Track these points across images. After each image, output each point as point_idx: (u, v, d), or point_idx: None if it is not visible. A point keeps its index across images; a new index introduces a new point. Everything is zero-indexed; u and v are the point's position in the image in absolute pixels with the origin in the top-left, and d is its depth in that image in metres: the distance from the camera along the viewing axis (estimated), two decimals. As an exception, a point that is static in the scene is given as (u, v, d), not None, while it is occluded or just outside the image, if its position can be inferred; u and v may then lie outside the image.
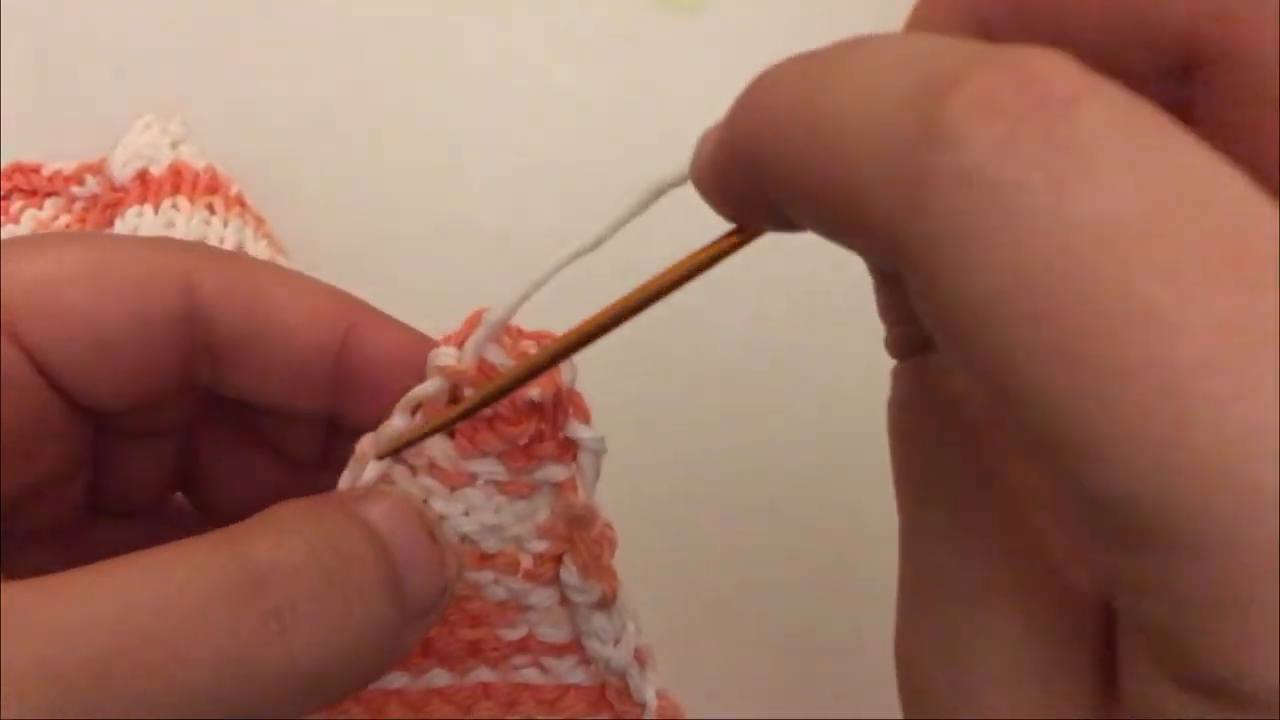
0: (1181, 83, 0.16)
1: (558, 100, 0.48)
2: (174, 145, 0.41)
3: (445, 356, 0.25)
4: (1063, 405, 0.13)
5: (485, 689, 0.28)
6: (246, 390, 0.26)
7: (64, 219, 0.44)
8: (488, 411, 0.25)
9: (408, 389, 0.25)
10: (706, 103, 0.24)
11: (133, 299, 0.24)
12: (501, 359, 0.25)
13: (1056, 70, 0.14)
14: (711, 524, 0.41)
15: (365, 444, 0.25)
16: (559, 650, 0.28)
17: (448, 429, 0.25)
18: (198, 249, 0.25)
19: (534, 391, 0.25)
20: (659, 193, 0.23)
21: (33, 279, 0.23)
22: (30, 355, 0.23)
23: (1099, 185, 0.13)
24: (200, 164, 0.41)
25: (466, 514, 0.26)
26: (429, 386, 0.25)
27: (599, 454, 0.26)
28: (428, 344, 0.26)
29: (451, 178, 0.46)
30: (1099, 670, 0.17)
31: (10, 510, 0.23)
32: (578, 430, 0.26)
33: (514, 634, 0.27)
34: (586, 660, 0.28)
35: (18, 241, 0.24)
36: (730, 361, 0.43)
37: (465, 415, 0.25)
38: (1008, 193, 0.13)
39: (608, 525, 0.27)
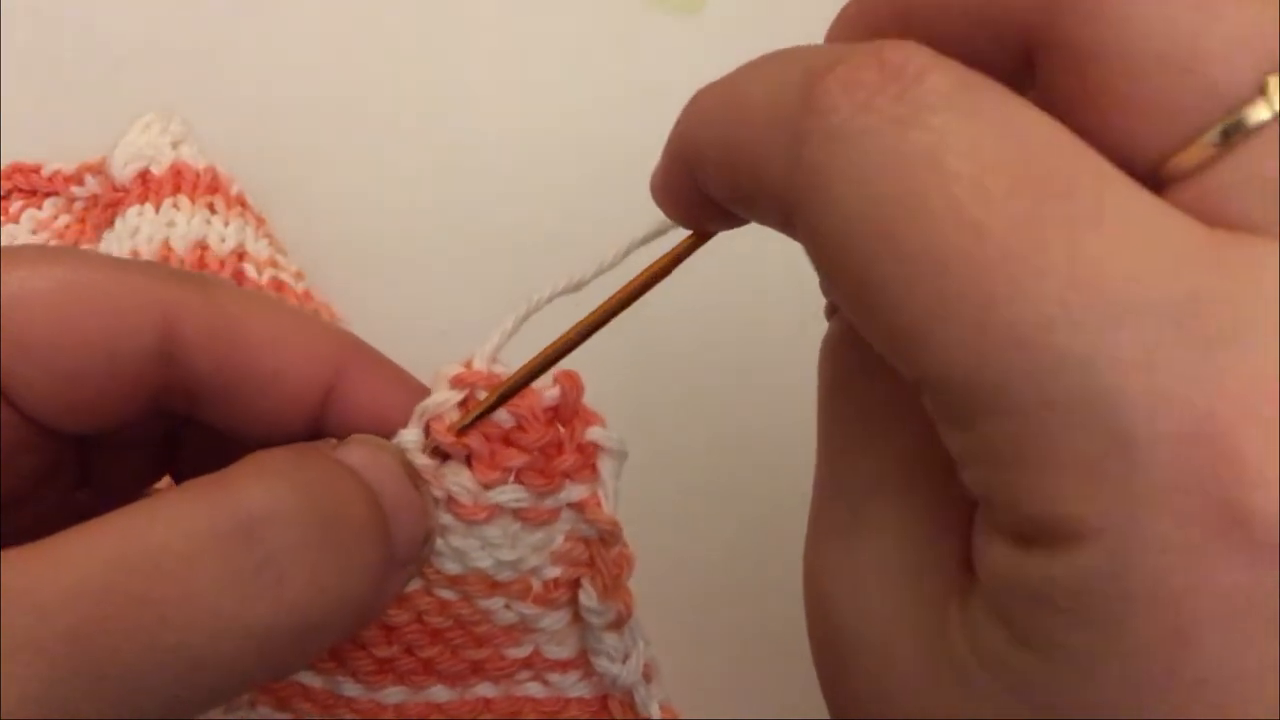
0: (1031, 75, 0.19)
1: (558, 100, 0.48)
2: (175, 145, 0.41)
3: (454, 368, 0.25)
4: (899, 302, 0.16)
5: (487, 704, 0.27)
6: (225, 427, 0.25)
7: (64, 219, 0.44)
8: (509, 422, 0.25)
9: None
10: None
11: (102, 334, 0.23)
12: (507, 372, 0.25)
13: (909, 54, 0.17)
14: (710, 526, 0.41)
15: (404, 440, 0.24)
16: (564, 666, 0.27)
17: (504, 401, 0.24)
18: (180, 282, 0.24)
19: (550, 393, 0.25)
20: (633, 246, 0.25)
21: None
22: None
23: (931, 127, 0.16)
24: (201, 164, 0.41)
25: (482, 548, 0.25)
26: (439, 397, 0.24)
27: (621, 456, 0.25)
28: (419, 390, 0.25)
29: (451, 178, 0.46)
30: (964, 561, 0.19)
31: None
32: (597, 434, 0.25)
33: (519, 652, 0.27)
34: (590, 674, 0.28)
35: None
36: (730, 362, 0.43)
37: (516, 389, 0.24)
38: (862, 140, 0.17)
39: (624, 544, 0.26)
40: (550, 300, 0.25)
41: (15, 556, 0.19)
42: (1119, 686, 0.16)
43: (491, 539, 0.25)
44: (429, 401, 0.24)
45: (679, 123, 0.21)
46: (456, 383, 0.24)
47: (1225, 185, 0.17)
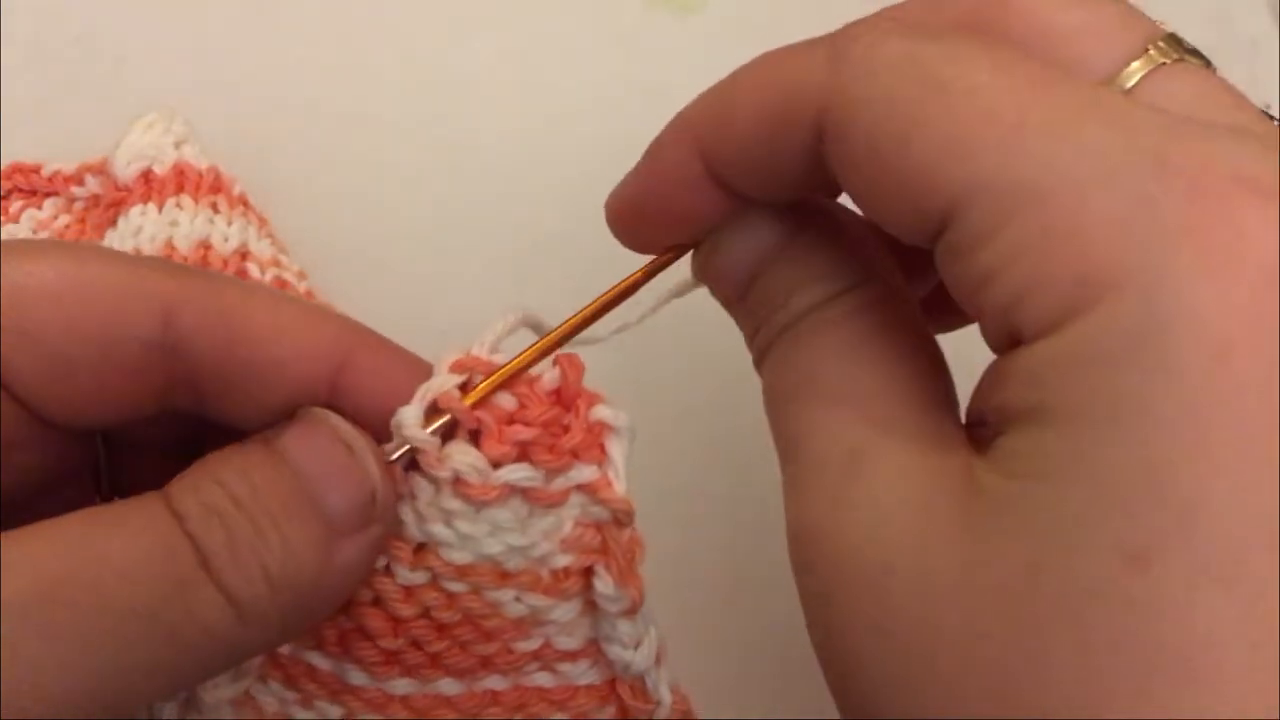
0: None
1: (558, 100, 0.48)
2: (177, 145, 0.41)
3: (454, 353, 0.25)
4: (944, 130, 0.20)
5: (494, 696, 0.27)
6: (233, 420, 0.25)
7: (64, 219, 0.44)
8: (511, 406, 0.25)
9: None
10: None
11: (103, 325, 0.23)
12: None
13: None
14: (710, 526, 0.41)
15: (405, 417, 0.24)
16: (573, 656, 0.27)
17: (513, 376, 0.25)
18: (182, 275, 0.24)
19: (550, 375, 0.25)
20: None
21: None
22: None
23: (948, 39, 0.21)
24: (203, 164, 0.41)
25: (492, 534, 0.25)
26: (441, 378, 0.24)
27: (629, 435, 0.25)
28: (426, 370, 0.25)
29: (451, 178, 0.46)
30: (969, 442, 0.22)
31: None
32: (604, 413, 0.25)
33: (529, 645, 0.27)
34: (599, 660, 0.28)
35: None
36: (732, 361, 0.43)
37: (525, 366, 0.24)
38: (897, 42, 0.21)
39: (634, 528, 0.26)
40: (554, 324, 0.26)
41: (11, 538, 0.20)
42: (1167, 416, 0.18)
43: (502, 523, 0.25)
44: (431, 382, 0.24)
45: (693, 104, 0.24)
46: (457, 367, 0.24)
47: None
